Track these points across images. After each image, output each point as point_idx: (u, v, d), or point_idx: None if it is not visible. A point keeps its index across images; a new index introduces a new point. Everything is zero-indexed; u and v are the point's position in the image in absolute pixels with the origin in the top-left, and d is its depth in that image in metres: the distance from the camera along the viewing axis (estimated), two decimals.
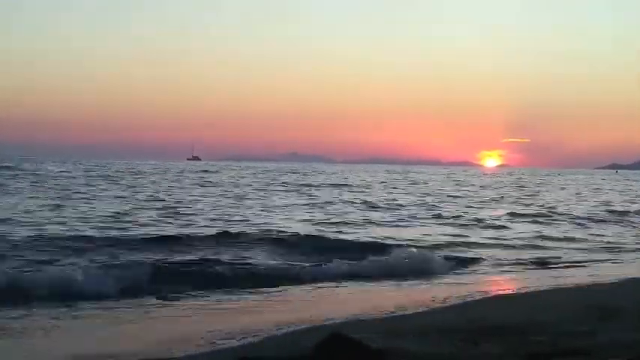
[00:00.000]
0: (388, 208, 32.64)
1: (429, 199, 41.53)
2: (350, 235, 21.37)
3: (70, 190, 38.08)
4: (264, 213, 27.83)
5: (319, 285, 13.33)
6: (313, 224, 23.99)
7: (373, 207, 33.31)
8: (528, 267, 16.58)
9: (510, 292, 13.63)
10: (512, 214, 31.11)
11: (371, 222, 25.81)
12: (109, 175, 60.90)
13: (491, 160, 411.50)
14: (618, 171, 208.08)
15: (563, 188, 65.18)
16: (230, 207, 30.47)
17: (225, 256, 15.93)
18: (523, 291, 12.85)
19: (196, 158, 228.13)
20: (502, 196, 47.01)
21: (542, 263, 17.07)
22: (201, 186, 49.00)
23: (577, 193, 55.16)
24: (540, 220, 29.07)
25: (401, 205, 34.80)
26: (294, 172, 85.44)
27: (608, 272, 15.34)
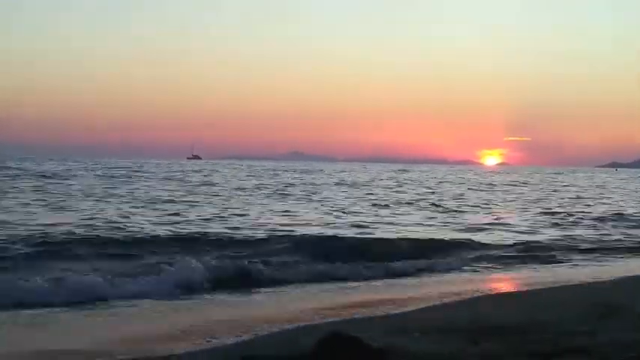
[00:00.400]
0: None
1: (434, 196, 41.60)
2: (362, 235, 21.11)
3: (81, 190, 37.80)
4: (269, 214, 27.82)
5: (319, 285, 13.36)
6: (318, 225, 23.93)
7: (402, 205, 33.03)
8: (529, 265, 16.60)
9: (511, 290, 13.66)
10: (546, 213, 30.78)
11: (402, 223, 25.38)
12: (115, 175, 60.58)
13: (492, 159, 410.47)
14: (618, 169, 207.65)
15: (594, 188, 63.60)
16: (234, 207, 30.47)
17: (228, 257, 15.96)
18: (524, 289, 12.86)
19: (197, 157, 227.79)
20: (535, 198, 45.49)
21: (544, 261, 17.10)
22: (207, 185, 48.74)
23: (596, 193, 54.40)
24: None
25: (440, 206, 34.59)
26: (303, 172, 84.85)
27: (611, 270, 15.35)
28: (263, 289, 12.69)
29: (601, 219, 28.54)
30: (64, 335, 9.08)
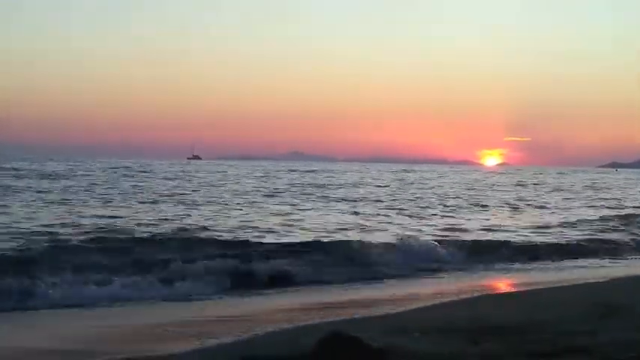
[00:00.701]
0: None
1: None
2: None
3: (83, 190, 37.56)
4: (269, 214, 27.81)
5: (319, 285, 13.38)
6: (318, 226, 23.91)
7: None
8: (530, 265, 16.62)
9: (511, 290, 13.66)
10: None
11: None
12: (116, 175, 60.27)
13: (492, 159, 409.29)
14: (618, 169, 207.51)
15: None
16: (234, 208, 30.46)
17: (228, 257, 15.96)
18: (524, 289, 12.85)
19: (197, 157, 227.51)
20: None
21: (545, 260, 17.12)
22: (207, 186, 48.54)
23: None
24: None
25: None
26: (304, 172, 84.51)
27: (611, 270, 15.35)
28: (263, 289, 12.69)
29: (604, 220, 28.55)
30: (64, 335, 9.08)
